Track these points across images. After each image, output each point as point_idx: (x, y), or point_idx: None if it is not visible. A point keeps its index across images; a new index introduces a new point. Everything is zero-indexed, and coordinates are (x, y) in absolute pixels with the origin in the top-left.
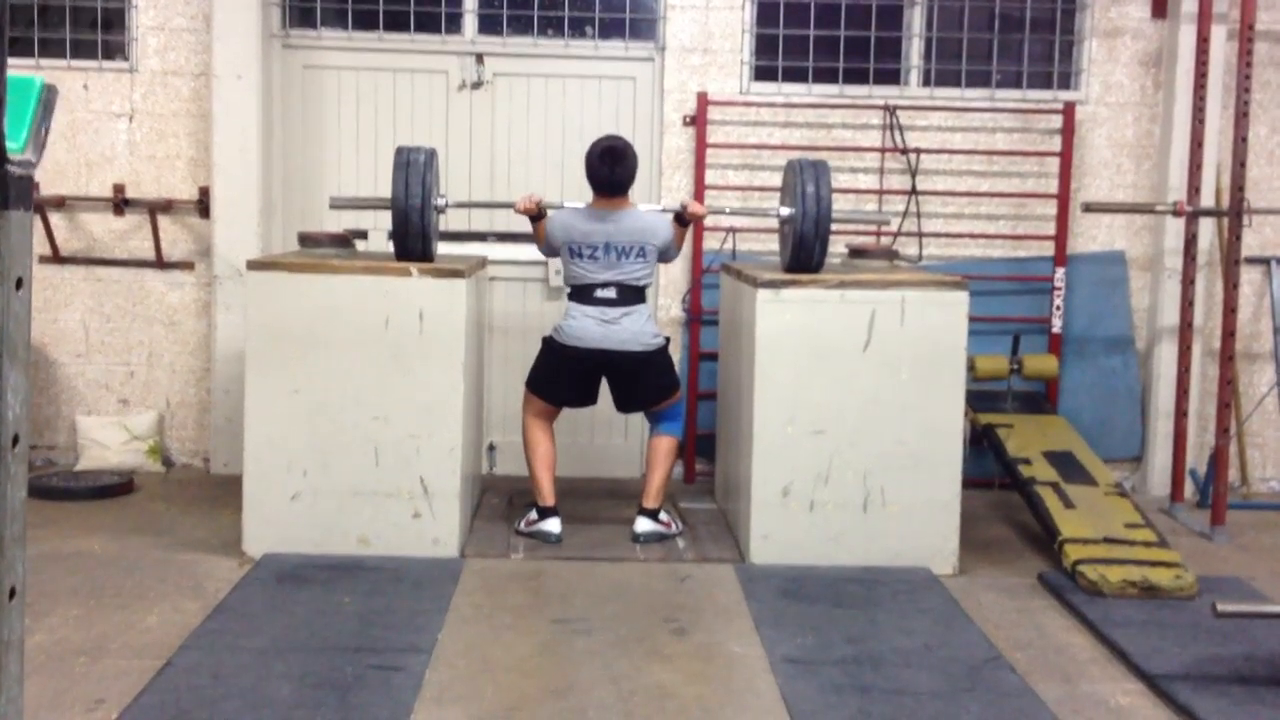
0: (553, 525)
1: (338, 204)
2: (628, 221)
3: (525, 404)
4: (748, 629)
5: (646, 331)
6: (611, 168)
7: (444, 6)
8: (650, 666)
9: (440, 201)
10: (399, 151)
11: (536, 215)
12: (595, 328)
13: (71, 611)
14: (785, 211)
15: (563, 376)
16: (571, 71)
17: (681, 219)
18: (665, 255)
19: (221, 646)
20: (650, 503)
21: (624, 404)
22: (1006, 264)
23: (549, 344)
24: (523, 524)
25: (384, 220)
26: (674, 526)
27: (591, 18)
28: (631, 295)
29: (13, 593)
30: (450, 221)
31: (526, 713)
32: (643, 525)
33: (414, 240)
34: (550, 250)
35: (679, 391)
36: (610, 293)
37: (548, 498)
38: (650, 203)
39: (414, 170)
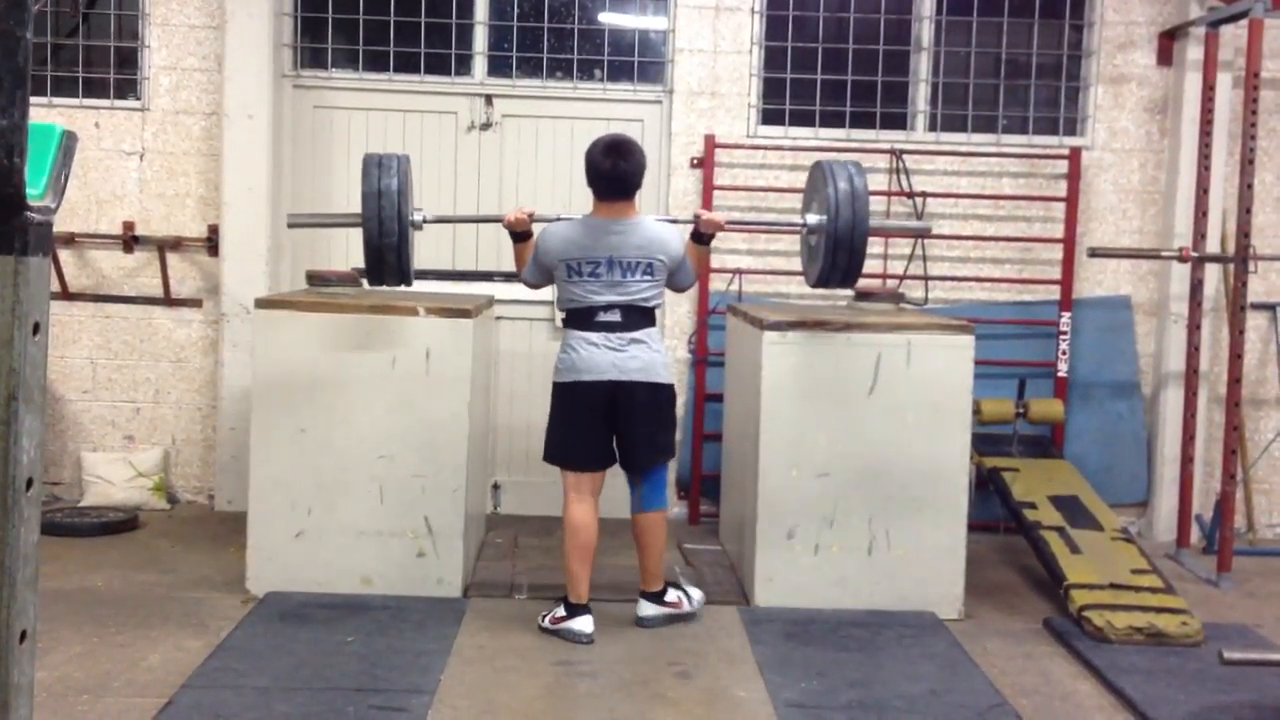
0: (583, 624)
1: (296, 223)
2: (634, 233)
3: (563, 479)
4: (752, 673)
5: (658, 363)
6: (615, 162)
7: (454, 48)
8: (654, 710)
9: (417, 216)
10: (366, 166)
11: (526, 233)
12: (602, 356)
13: (74, 649)
14: (812, 219)
15: (578, 425)
16: (580, 114)
17: (699, 236)
18: (678, 279)
19: (224, 685)
20: (653, 585)
21: (630, 454)
22: (1012, 308)
23: (556, 391)
24: (547, 620)
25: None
26: (686, 604)
27: (600, 61)
28: (639, 318)
29: (23, 636)
30: (458, 261)
31: None
32: (647, 609)
33: (390, 272)
34: (537, 273)
35: (671, 457)
36: (614, 315)
37: (579, 592)
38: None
39: (386, 191)
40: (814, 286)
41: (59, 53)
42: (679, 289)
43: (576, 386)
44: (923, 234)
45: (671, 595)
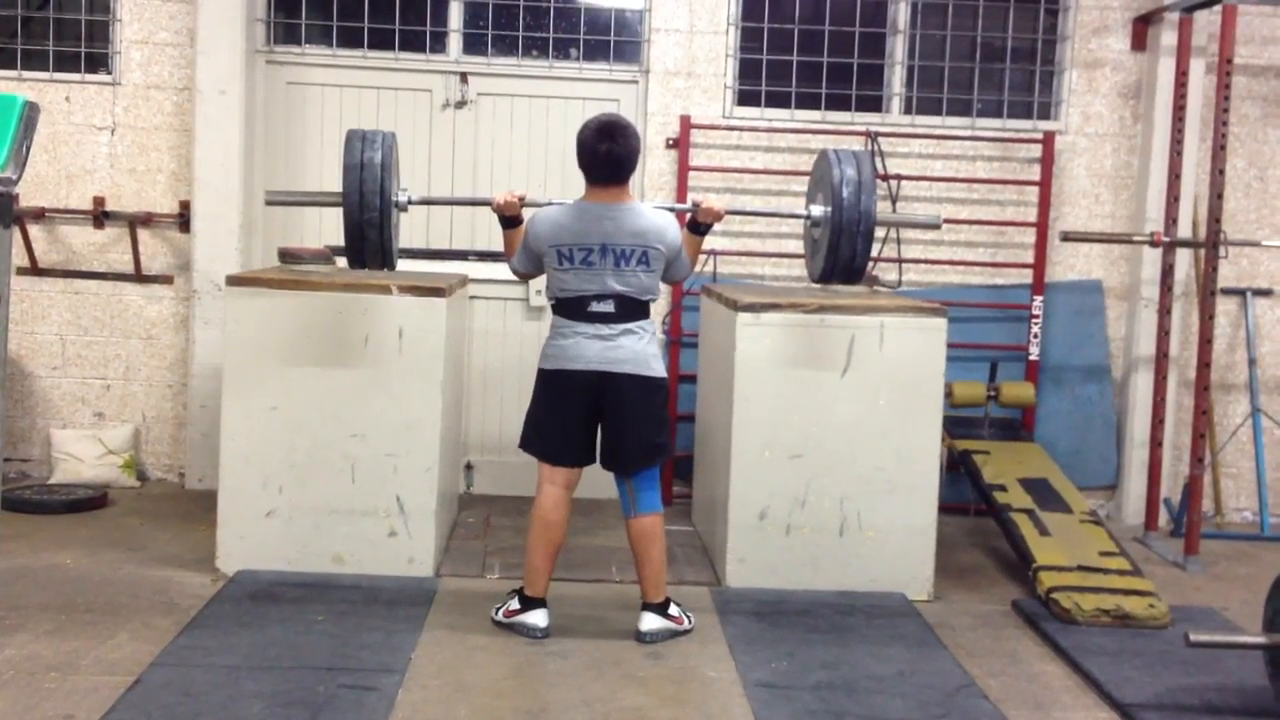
0: (538, 618)
1: (275, 200)
2: (629, 219)
3: (539, 468)
4: (722, 653)
5: (649, 354)
6: (609, 146)
7: (429, 25)
8: (624, 689)
9: (402, 197)
10: (350, 139)
11: (515, 218)
12: (591, 345)
13: (42, 626)
14: (817, 210)
15: (558, 415)
16: (555, 93)
17: (696, 225)
18: (674, 270)
19: (193, 663)
20: (655, 595)
21: (611, 451)
22: (985, 291)
23: (540, 377)
24: (501, 613)
25: None
26: (686, 621)
27: (576, 39)
28: (633, 310)
29: None
30: (432, 240)
31: None
32: (650, 623)
33: (372, 253)
34: (527, 261)
35: (665, 457)
36: (608, 306)
37: (538, 586)
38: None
39: (369, 165)
40: (816, 281)
41: (29, 25)
42: (675, 281)
43: (561, 375)
44: (933, 227)
45: (674, 610)
